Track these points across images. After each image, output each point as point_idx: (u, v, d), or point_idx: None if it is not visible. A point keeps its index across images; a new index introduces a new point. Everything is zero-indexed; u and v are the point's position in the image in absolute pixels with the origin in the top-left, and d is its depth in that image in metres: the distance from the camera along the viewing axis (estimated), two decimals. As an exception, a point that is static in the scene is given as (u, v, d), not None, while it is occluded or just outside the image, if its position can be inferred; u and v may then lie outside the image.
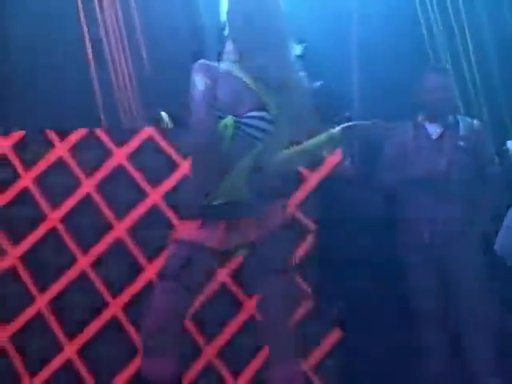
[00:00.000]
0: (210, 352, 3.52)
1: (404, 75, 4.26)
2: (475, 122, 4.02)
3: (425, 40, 4.95)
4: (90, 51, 4.96)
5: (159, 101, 4.74)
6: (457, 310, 3.81)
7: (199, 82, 2.57)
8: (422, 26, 4.97)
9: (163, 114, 4.25)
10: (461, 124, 3.96)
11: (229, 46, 2.69)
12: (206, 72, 2.60)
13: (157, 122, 4.31)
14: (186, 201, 2.73)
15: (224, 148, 2.51)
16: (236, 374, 3.51)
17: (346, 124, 2.69)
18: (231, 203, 2.57)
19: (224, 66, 2.66)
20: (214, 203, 2.56)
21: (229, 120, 2.53)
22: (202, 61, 2.66)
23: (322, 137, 2.71)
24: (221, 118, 2.54)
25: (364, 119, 4.60)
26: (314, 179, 3.60)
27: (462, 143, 3.89)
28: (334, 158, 3.64)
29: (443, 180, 3.81)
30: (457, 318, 3.81)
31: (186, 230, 2.62)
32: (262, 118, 2.60)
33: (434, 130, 3.94)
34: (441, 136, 3.91)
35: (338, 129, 2.69)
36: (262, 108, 2.61)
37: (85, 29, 4.98)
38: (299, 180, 3.61)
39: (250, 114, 2.59)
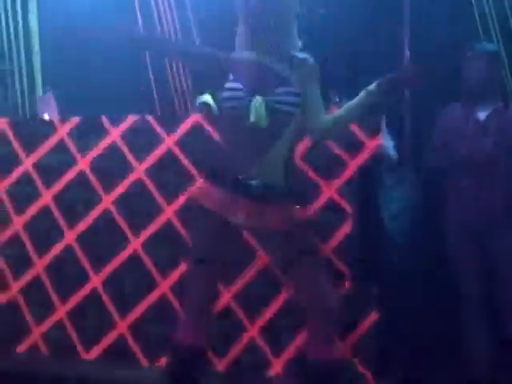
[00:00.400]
0: (252, 330, 3.68)
1: (455, 56, 4.26)
2: None
3: (476, 20, 4.93)
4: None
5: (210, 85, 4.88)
6: (500, 296, 3.82)
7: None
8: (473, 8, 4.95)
9: (208, 98, 4.37)
10: (511, 107, 3.95)
11: (241, 29, 2.80)
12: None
13: (203, 107, 4.45)
14: (219, 167, 2.76)
15: (263, 126, 2.60)
16: (278, 352, 3.65)
17: (380, 79, 2.75)
18: (266, 186, 2.64)
19: (237, 51, 2.80)
20: (250, 182, 2.64)
21: (258, 100, 2.61)
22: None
23: (361, 96, 2.78)
24: (247, 99, 2.62)
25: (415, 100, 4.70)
26: (353, 165, 3.66)
27: (510, 125, 3.89)
28: (373, 142, 3.68)
29: (488, 162, 3.82)
30: (500, 303, 3.82)
31: (211, 199, 2.69)
32: (289, 93, 2.68)
33: (482, 112, 3.95)
34: (488, 118, 3.91)
35: (373, 84, 2.76)
36: (286, 83, 2.70)
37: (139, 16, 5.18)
38: (339, 164, 3.68)
39: (277, 90, 2.67)
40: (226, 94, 2.71)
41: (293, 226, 2.67)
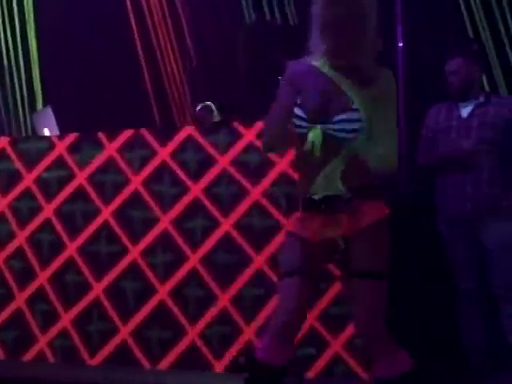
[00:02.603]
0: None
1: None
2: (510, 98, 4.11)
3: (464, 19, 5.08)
4: (140, 52, 5.33)
5: (206, 92, 5.03)
6: (493, 283, 3.94)
7: (284, 91, 2.74)
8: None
9: (210, 104, 4.52)
10: (493, 101, 4.08)
11: (315, 41, 2.69)
12: (292, 76, 2.74)
13: (205, 112, 4.59)
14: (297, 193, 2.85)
15: (316, 156, 2.60)
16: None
17: None
18: (328, 197, 2.65)
19: (311, 60, 2.72)
20: (314, 197, 2.68)
21: (317, 131, 2.60)
22: (292, 62, 2.77)
23: None
24: (309, 126, 2.61)
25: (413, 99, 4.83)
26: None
27: (491, 120, 4.02)
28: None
29: (472, 157, 3.96)
30: (493, 290, 3.94)
31: (291, 222, 2.80)
32: (350, 121, 2.61)
33: (465, 109, 4.10)
34: (471, 115, 4.06)
35: None
36: (351, 108, 2.62)
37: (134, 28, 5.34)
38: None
39: (338, 117, 2.61)
40: (295, 121, 2.67)
41: (357, 232, 2.64)
